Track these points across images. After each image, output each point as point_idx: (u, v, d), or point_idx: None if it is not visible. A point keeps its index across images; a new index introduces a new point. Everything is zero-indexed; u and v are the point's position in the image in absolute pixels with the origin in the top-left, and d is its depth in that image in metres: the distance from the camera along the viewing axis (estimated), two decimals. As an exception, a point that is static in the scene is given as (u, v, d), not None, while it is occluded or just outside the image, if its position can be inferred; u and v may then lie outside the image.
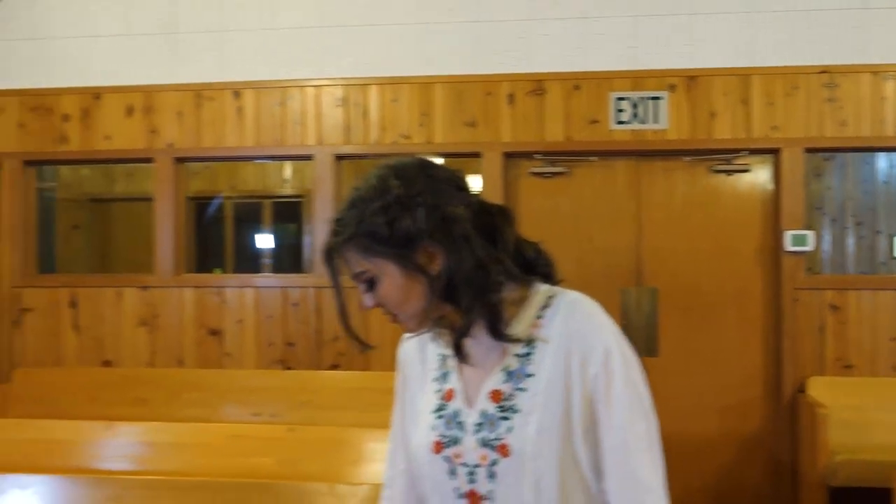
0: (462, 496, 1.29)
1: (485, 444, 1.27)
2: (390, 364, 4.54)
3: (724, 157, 5.15)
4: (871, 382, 4.90)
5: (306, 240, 8.19)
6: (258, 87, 5.39)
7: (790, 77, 5.03)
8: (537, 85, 5.19)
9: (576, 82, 5.16)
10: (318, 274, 5.34)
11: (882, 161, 7.40)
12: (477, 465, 1.28)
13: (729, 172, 5.18)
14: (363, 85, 5.32)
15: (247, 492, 2.73)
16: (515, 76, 5.21)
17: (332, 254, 1.32)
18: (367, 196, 1.29)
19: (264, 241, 8.96)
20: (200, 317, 5.46)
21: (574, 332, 1.29)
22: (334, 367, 5.30)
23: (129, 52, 5.50)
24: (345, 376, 5.16)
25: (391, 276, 1.28)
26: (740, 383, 5.17)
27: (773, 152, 5.10)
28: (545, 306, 1.33)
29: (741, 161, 5.15)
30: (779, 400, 5.05)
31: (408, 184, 1.29)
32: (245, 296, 5.45)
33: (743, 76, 5.06)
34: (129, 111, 5.48)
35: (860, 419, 4.73)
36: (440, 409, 1.34)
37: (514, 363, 1.31)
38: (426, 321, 1.33)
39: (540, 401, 1.27)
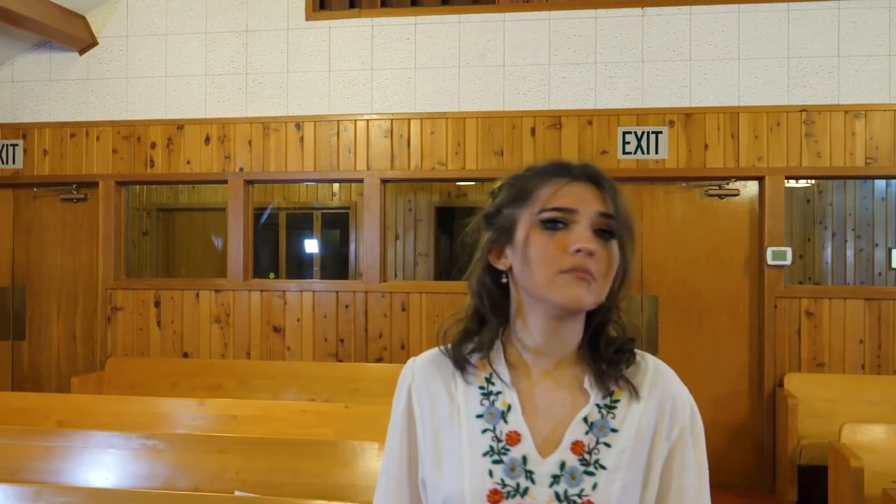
0: None
1: (563, 498, 1.16)
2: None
3: (716, 182, 5.92)
4: (839, 378, 5.62)
5: (351, 247, 9.12)
6: (317, 120, 6.24)
7: (773, 115, 5.77)
8: (556, 120, 5.99)
9: (588, 118, 5.95)
10: (365, 280, 6.21)
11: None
12: None
13: (720, 196, 5.96)
14: (406, 119, 6.15)
15: (316, 448, 3.58)
16: (537, 112, 6.00)
17: (607, 181, 1.24)
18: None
19: (313, 247, 9.84)
20: (265, 316, 6.34)
21: (664, 393, 1.26)
22: (378, 360, 6.16)
23: (208, 89, 6.39)
24: (387, 367, 5.97)
25: (616, 252, 1.22)
26: (729, 378, 5.94)
27: (758, 179, 5.86)
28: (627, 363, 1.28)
29: (731, 186, 5.92)
30: (761, 393, 5.81)
31: None
32: (303, 298, 6.31)
33: (732, 114, 5.81)
34: (207, 140, 6.38)
35: (829, 410, 5.46)
36: (499, 452, 1.19)
37: (594, 414, 1.22)
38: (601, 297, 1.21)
39: (626, 458, 1.19)
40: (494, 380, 1.25)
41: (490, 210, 1.30)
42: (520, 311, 1.26)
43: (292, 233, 9.93)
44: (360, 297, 6.20)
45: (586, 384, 1.24)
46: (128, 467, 3.68)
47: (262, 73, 6.31)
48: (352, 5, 6.27)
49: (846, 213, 8.82)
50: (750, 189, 5.96)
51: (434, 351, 1.33)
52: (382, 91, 6.19)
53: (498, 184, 1.32)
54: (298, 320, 6.29)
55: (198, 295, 6.41)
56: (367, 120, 6.19)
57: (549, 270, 1.18)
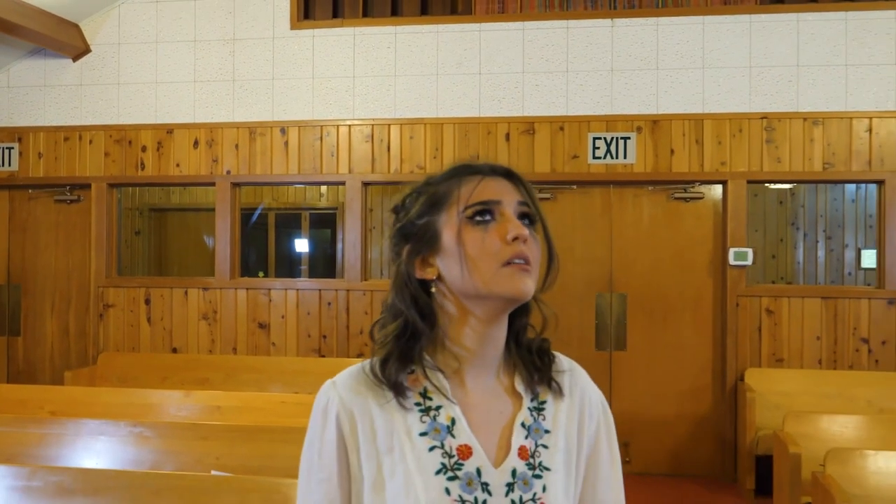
0: None
1: None
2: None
3: (682, 186, 6.20)
4: (797, 373, 5.90)
5: (339, 247, 9.38)
6: (301, 125, 6.51)
7: (736, 122, 6.05)
8: (529, 126, 6.25)
9: (560, 124, 6.22)
10: (347, 279, 6.48)
11: (850, 182, 8.21)
12: None
13: (685, 199, 6.24)
14: (386, 124, 6.41)
15: (293, 434, 3.84)
16: (511, 119, 6.27)
17: (516, 174, 1.27)
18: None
19: (302, 246, 10.10)
20: (251, 313, 6.60)
21: (582, 391, 1.29)
22: (359, 355, 6.38)
23: (196, 95, 6.65)
24: None
25: (539, 238, 1.23)
26: (693, 373, 6.21)
27: (722, 183, 6.14)
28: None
29: (695, 190, 6.21)
30: (723, 387, 6.09)
31: None
32: (288, 296, 6.57)
33: (697, 120, 6.09)
34: (196, 144, 6.64)
35: (787, 403, 5.72)
36: (453, 468, 1.18)
37: (528, 418, 1.23)
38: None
39: (561, 458, 1.22)
40: (431, 394, 1.22)
41: (403, 224, 1.28)
42: (453, 317, 1.24)
43: (281, 232, 10.16)
44: (342, 294, 6.46)
45: (518, 387, 1.26)
46: (117, 453, 3.94)
47: (248, 79, 6.57)
48: (335, 15, 6.53)
49: (818, 215, 9.10)
50: (714, 192, 6.23)
51: (355, 370, 1.27)
52: (364, 97, 6.45)
53: (401, 199, 1.32)
54: (283, 317, 6.55)
55: (186, 293, 6.67)
56: (349, 125, 6.45)
57: (491, 264, 1.17)
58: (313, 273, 9.80)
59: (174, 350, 6.68)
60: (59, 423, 4.07)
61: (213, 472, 3.09)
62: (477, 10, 6.35)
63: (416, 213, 1.26)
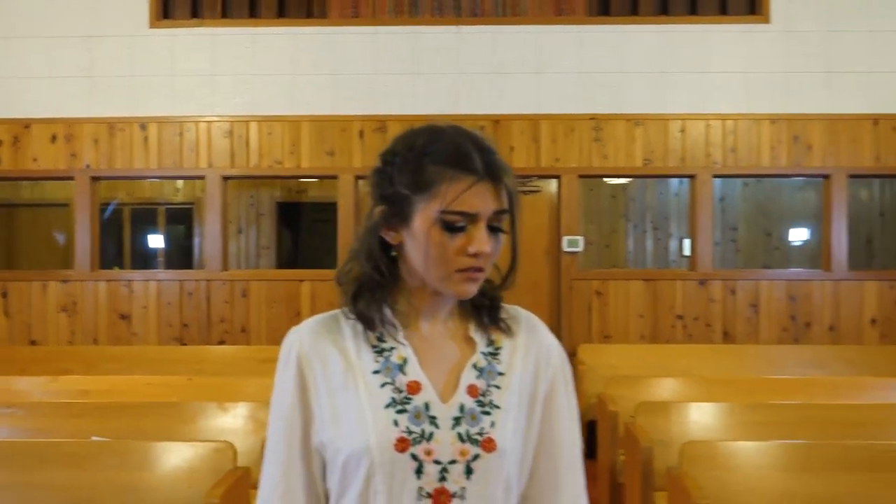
0: (427, 496, 1.22)
1: (466, 438, 1.24)
2: (263, 340, 6.13)
3: (521, 180, 6.69)
4: (623, 348, 6.56)
5: (196, 241, 9.55)
6: (161, 121, 6.71)
7: (568, 122, 6.67)
8: (381, 124, 6.68)
9: (410, 123, 6.63)
10: (208, 270, 6.73)
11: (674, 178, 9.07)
12: (452, 462, 1.23)
13: (524, 192, 6.82)
14: (245, 121, 6.70)
15: (162, 409, 4.13)
16: (364, 117, 6.69)
17: (506, 175, 1.29)
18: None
19: (157, 241, 10.19)
20: (112, 304, 6.75)
21: (540, 340, 1.36)
22: (221, 342, 6.69)
23: (54, 89, 6.72)
24: (229, 350, 6.48)
25: (501, 242, 1.30)
26: (533, 351, 6.79)
27: (556, 178, 6.76)
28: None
29: (533, 184, 6.81)
30: (559, 362, 6.70)
31: None
32: (149, 287, 6.76)
33: (534, 120, 6.68)
34: (54, 138, 6.72)
35: (614, 374, 6.39)
36: (402, 402, 1.25)
37: (482, 361, 1.30)
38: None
39: (514, 400, 1.28)
40: (385, 338, 1.29)
41: (384, 185, 1.31)
42: (410, 277, 1.32)
43: (137, 228, 10.21)
44: (202, 285, 6.71)
45: (472, 333, 1.33)
46: (-11, 433, 4.12)
47: (107, 76, 6.71)
48: (194, 15, 6.76)
49: (646, 208, 9.96)
50: (550, 186, 6.85)
51: (320, 316, 1.36)
52: (224, 95, 6.71)
53: (392, 147, 1.35)
54: (144, 307, 6.73)
55: (45, 286, 6.75)
56: (209, 122, 6.70)
57: (445, 270, 1.24)
58: (170, 266, 9.91)
59: (33, 342, 6.74)
60: (-71, 407, 4.20)
61: (93, 438, 3.37)
62: (331, 13, 6.73)
63: (400, 183, 1.28)
